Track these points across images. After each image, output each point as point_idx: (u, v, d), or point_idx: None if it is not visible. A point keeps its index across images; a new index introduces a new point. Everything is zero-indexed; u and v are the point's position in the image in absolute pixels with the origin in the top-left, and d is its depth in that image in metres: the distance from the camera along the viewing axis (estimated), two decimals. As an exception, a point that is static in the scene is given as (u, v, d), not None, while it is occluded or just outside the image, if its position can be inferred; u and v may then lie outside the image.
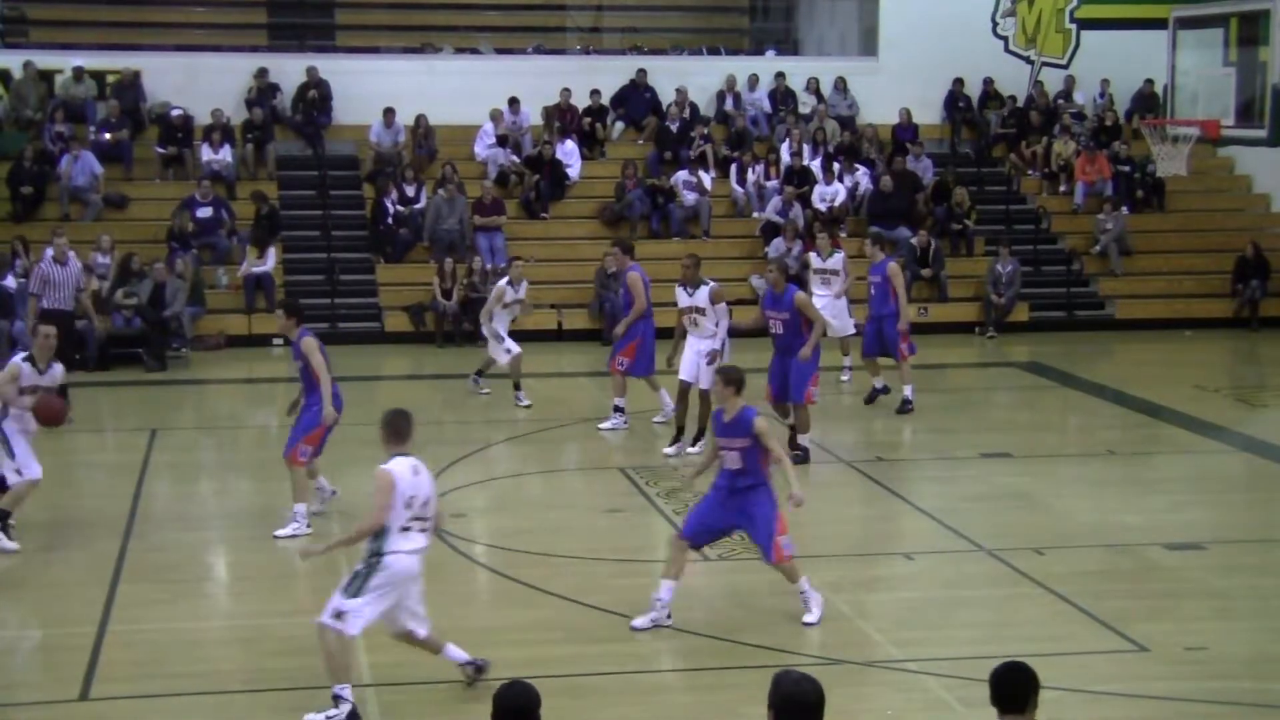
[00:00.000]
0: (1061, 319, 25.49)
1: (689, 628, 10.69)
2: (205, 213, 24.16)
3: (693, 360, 15.68)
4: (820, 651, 10.21)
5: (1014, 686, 6.02)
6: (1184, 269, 26.40)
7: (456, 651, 9.47)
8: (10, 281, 21.80)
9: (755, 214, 26.13)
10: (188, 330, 22.27)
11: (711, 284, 15.78)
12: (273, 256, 23.87)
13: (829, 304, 18.84)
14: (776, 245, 24.92)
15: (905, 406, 18.04)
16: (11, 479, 12.57)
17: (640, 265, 17.51)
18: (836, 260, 19.38)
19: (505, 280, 18.64)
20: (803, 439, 15.55)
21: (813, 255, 19.99)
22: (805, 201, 25.81)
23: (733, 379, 10.76)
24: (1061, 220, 27.04)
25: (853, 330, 19.61)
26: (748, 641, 10.38)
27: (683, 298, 15.84)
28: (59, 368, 13.00)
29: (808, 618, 10.65)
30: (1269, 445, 16.85)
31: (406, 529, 9.11)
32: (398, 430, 9.37)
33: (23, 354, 12.97)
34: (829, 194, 26.13)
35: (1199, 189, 27.81)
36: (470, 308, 23.48)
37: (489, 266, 24.07)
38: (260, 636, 10.68)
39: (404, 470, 9.19)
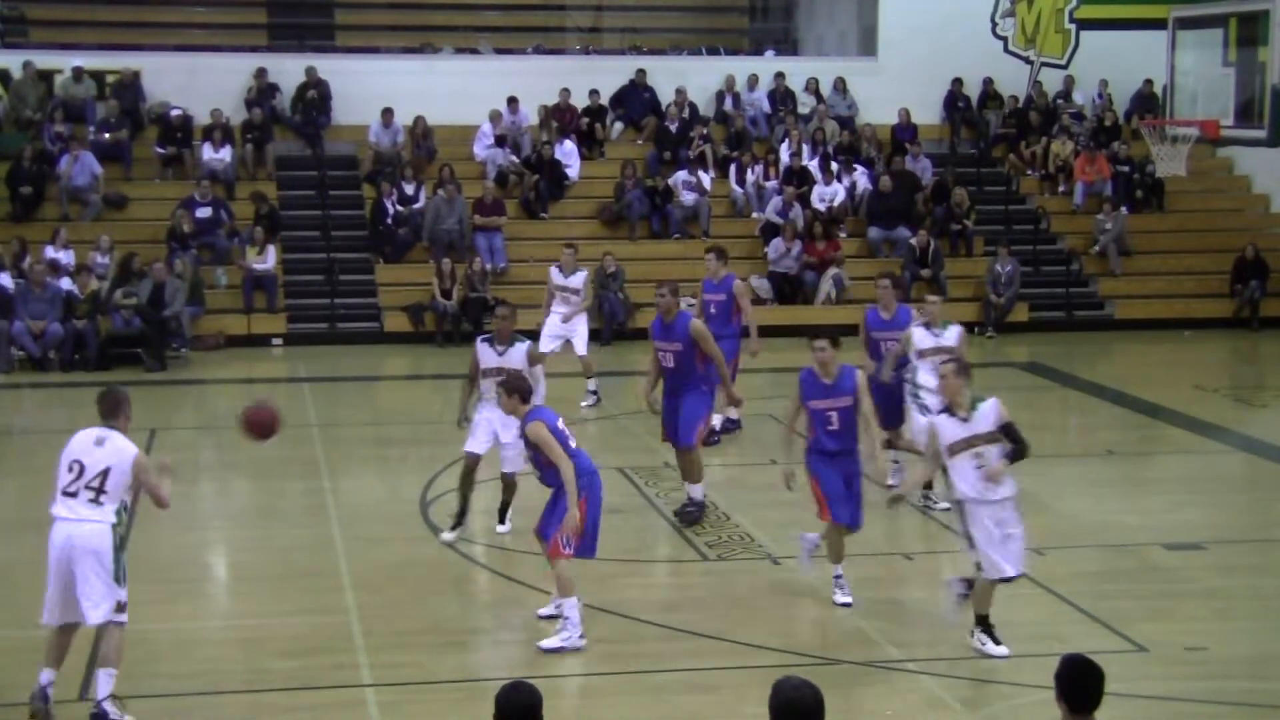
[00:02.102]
0: (1061, 319, 25.50)
1: (689, 628, 10.69)
2: (204, 213, 24.16)
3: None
4: (820, 651, 10.21)
5: (1091, 685, 5.90)
6: (1183, 269, 26.41)
7: None
8: (7, 281, 21.84)
9: (754, 214, 26.13)
10: (187, 330, 22.27)
11: (527, 344, 12.79)
12: (273, 255, 23.85)
13: (572, 323, 18.27)
14: (776, 245, 24.93)
15: (727, 426, 16.59)
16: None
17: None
18: (578, 279, 18.44)
19: (555, 265, 18.76)
20: (694, 490, 13.26)
21: (553, 270, 18.61)
22: (805, 202, 25.82)
23: (516, 388, 10.54)
24: (1061, 220, 27.05)
25: (585, 350, 18.45)
26: (748, 641, 10.38)
27: (490, 357, 12.71)
28: (522, 347, 12.54)
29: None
30: (1268, 445, 16.85)
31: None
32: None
33: (482, 337, 12.76)
34: (828, 194, 26.13)
35: (1198, 189, 27.82)
36: (469, 308, 23.50)
37: (488, 267, 24.08)
38: (260, 637, 10.68)
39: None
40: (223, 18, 31.13)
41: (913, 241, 25.20)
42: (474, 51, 29.77)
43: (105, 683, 9.08)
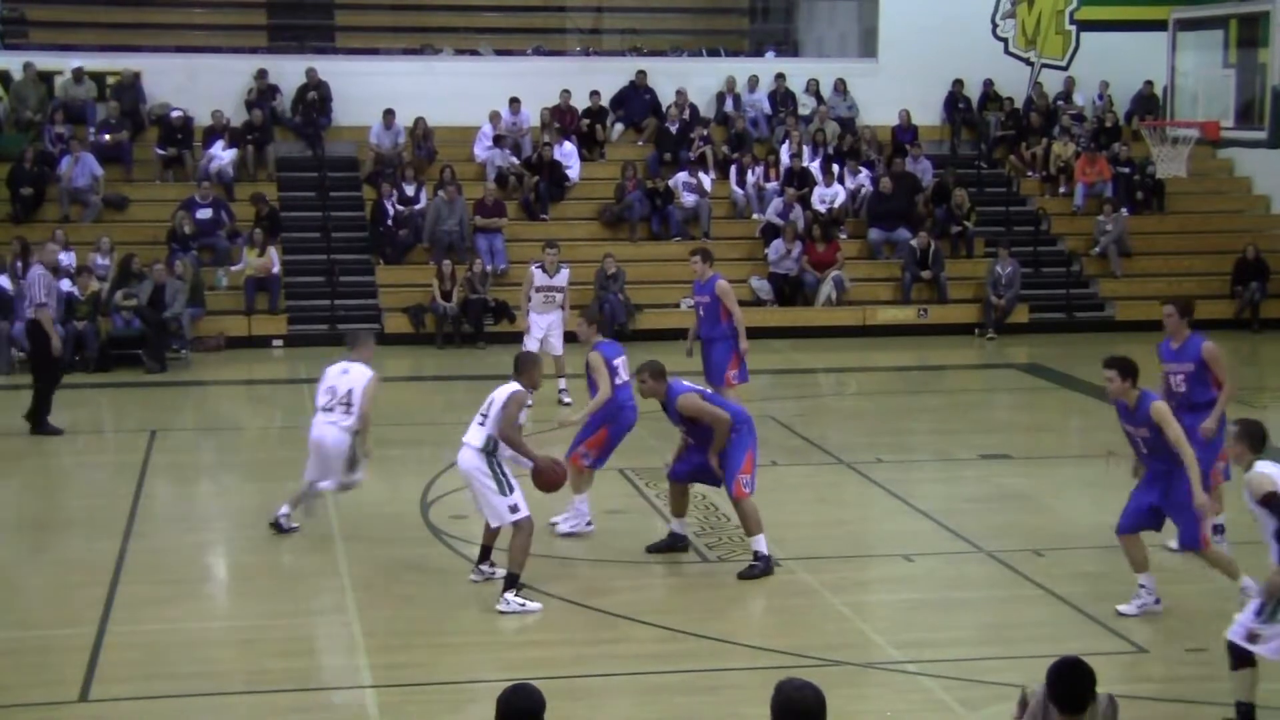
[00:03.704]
0: (1061, 320, 25.50)
1: (689, 629, 10.69)
2: (205, 214, 24.17)
3: None
4: (820, 652, 10.21)
5: (1078, 685, 5.97)
6: (1184, 270, 26.41)
7: None
8: (5, 282, 21.84)
9: (755, 216, 26.13)
10: (187, 331, 22.26)
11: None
12: (275, 257, 23.85)
13: (553, 322, 18.13)
14: (776, 247, 24.93)
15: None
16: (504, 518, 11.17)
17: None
18: (562, 277, 18.28)
19: (537, 265, 18.54)
20: (756, 542, 11.90)
21: (535, 270, 18.31)
22: (805, 203, 25.82)
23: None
24: (1061, 221, 27.05)
25: (561, 351, 18.15)
26: (747, 642, 10.37)
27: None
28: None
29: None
30: (1269, 446, 16.81)
31: None
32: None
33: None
34: (828, 195, 26.14)
35: (1199, 190, 27.83)
36: (470, 309, 23.50)
37: (488, 268, 24.08)
38: (261, 637, 10.68)
39: None
40: (223, 19, 31.14)
41: (913, 243, 25.21)
42: (474, 53, 29.78)
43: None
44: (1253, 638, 8.69)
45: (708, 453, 11.85)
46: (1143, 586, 11.10)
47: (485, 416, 11.16)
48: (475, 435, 11.16)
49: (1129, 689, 9.43)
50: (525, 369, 11.40)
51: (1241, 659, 8.80)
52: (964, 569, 12.44)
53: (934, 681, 9.89)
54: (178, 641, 10.56)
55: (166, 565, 12.39)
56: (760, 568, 11.77)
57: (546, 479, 11.37)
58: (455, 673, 9.66)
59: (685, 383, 12.03)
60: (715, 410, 11.80)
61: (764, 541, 11.82)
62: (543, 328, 18.23)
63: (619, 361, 12.82)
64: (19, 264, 22.34)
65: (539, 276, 18.25)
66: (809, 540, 12.66)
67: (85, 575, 11.97)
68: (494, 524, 11.28)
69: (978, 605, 11.61)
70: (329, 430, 12.66)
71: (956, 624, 11.03)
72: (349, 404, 12.61)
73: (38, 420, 17.12)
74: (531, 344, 17.82)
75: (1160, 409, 10.67)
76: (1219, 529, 12.09)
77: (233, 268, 23.88)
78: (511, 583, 10.94)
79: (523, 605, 10.88)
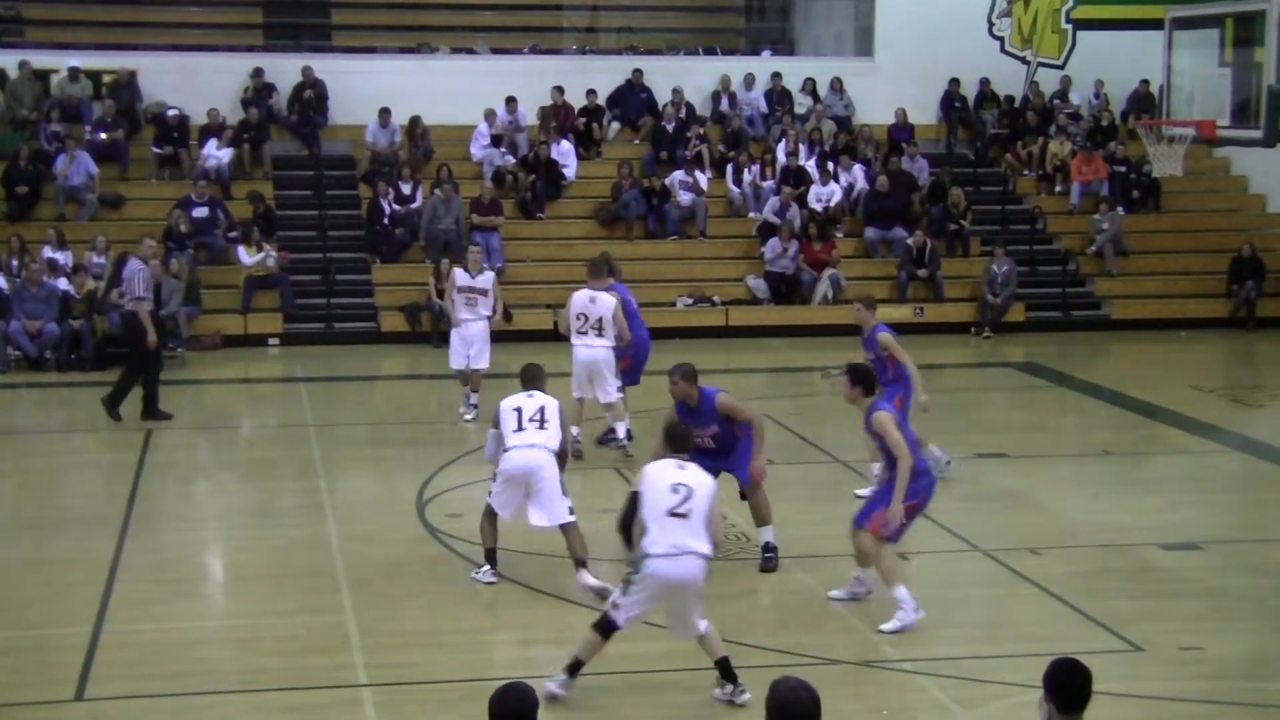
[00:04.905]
0: (1057, 319, 25.51)
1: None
2: (201, 213, 24.15)
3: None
4: (817, 652, 10.21)
5: (1079, 686, 5.96)
6: (1180, 269, 26.43)
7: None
8: (2, 282, 21.84)
9: (751, 214, 26.13)
10: (184, 330, 22.25)
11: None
12: (273, 255, 23.82)
13: (478, 334, 17.13)
14: (773, 245, 24.93)
15: (605, 437, 16.05)
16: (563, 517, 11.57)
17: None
18: (486, 279, 17.36)
19: (459, 267, 17.72)
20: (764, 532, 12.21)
21: (457, 272, 17.46)
22: (801, 202, 25.82)
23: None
24: (1057, 220, 27.06)
25: (485, 365, 17.23)
26: (747, 642, 10.37)
27: None
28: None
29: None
30: (1265, 445, 16.87)
31: None
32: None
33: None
34: (825, 194, 26.14)
35: (1195, 189, 27.84)
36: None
37: (485, 266, 24.04)
38: (257, 637, 10.68)
39: None
40: (219, 17, 31.10)
41: (909, 242, 25.21)
42: (470, 51, 29.77)
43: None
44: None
45: (720, 456, 11.75)
46: (857, 579, 11.22)
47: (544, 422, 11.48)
48: (546, 438, 11.42)
49: (1125, 688, 9.44)
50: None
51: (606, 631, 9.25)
52: (960, 567, 12.45)
53: (930, 680, 9.90)
54: (174, 641, 10.55)
55: (163, 564, 12.39)
56: (774, 558, 11.97)
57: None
58: (451, 672, 9.66)
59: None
60: (752, 409, 12.07)
61: (773, 532, 11.96)
62: (466, 340, 17.18)
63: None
64: (14, 262, 22.37)
65: (460, 277, 17.33)
66: (806, 539, 12.65)
67: (81, 575, 11.96)
68: (550, 523, 11.39)
69: (974, 604, 11.62)
70: (594, 352, 15.11)
71: (952, 622, 11.02)
72: (600, 329, 15.08)
73: (150, 408, 17.68)
74: (456, 360, 17.28)
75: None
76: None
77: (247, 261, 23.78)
78: (583, 564, 11.37)
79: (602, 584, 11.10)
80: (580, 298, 15.26)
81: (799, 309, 24.81)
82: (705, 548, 9.16)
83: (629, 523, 9.50)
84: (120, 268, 22.39)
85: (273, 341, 23.51)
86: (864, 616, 11.10)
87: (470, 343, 17.24)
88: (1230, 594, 11.77)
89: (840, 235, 25.85)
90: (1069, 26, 29.08)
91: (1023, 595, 11.57)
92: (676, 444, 9.84)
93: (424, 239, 24.64)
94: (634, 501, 9.39)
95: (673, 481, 9.24)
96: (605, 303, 15.19)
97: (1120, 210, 26.61)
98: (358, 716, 9.31)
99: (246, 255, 23.75)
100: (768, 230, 25.39)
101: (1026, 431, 18.23)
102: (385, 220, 24.86)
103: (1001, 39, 29.01)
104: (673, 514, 9.12)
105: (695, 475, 9.34)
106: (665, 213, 25.82)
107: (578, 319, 15.19)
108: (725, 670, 9.30)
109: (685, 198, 25.95)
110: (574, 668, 9.19)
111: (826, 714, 5.58)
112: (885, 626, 10.58)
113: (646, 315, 23.86)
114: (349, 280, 24.52)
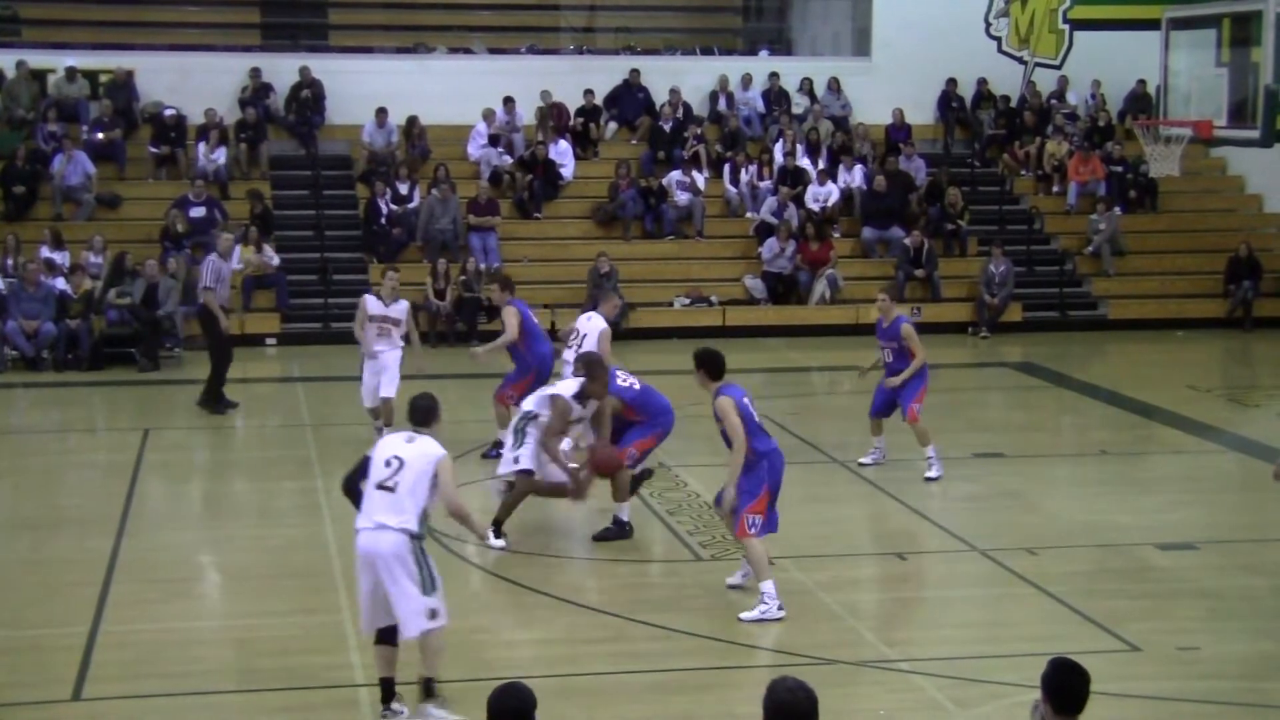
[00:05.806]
0: (1054, 319, 25.53)
1: (682, 628, 10.69)
2: (198, 212, 24.13)
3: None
4: (813, 651, 10.22)
5: (1076, 687, 5.96)
6: (1177, 269, 26.44)
7: None
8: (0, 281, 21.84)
9: (749, 214, 26.14)
10: (181, 330, 22.25)
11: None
12: (272, 253, 23.81)
13: (387, 364, 16.18)
14: (770, 245, 24.94)
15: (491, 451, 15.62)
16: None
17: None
18: (400, 308, 16.35)
19: (370, 294, 16.83)
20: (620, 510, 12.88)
21: (368, 299, 16.49)
22: (799, 202, 25.83)
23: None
24: (1054, 220, 27.08)
25: (393, 394, 16.08)
26: (745, 642, 10.38)
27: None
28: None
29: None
30: (1261, 445, 16.86)
31: None
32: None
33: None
34: (822, 194, 26.15)
35: (1192, 189, 27.86)
36: (463, 308, 23.49)
37: (482, 266, 24.08)
38: (253, 636, 10.68)
39: None
40: (216, 17, 31.09)
41: (906, 242, 25.22)
42: (468, 51, 29.77)
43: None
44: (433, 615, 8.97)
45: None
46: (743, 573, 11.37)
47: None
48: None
49: (1122, 688, 9.45)
50: (594, 374, 12.22)
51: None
52: (957, 567, 12.45)
53: (927, 680, 9.90)
54: (171, 640, 10.56)
55: (159, 564, 12.39)
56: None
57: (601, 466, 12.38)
58: (448, 671, 9.64)
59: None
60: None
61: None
62: (377, 372, 16.23)
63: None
64: (10, 262, 22.36)
65: (372, 304, 16.26)
66: (802, 539, 12.65)
67: (78, 574, 11.97)
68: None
69: (970, 603, 11.63)
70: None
71: (949, 622, 11.04)
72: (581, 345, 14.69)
73: (213, 398, 18.06)
74: (368, 399, 16.34)
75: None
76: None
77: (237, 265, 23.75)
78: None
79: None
80: (581, 320, 15.37)
81: (796, 309, 24.82)
82: (403, 522, 8.78)
83: (351, 486, 9.25)
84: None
85: (270, 341, 23.50)
86: (861, 616, 11.11)
87: (381, 373, 16.23)
88: (1227, 594, 11.78)
89: (837, 235, 25.86)
90: (1066, 26, 29.10)
91: (1019, 595, 11.58)
92: (413, 415, 9.34)
93: (421, 239, 24.64)
94: (361, 466, 9.18)
95: (390, 454, 8.97)
96: (595, 325, 14.99)
97: (1117, 210, 26.63)
98: (355, 716, 9.32)
99: (242, 255, 23.70)
100: (765, 230, 25.39)
101: (1023, 431, 18.24)
102: (382, 220, 24.85)
103: (999, 39, 29.02)
104: (380, 487, 8.92)
105: (417, 448, 8.96)
106: (662, 213, 25.82)
107: (572, 334, 15.38)
108: (425, 688, 9.03)
109: (682, 198, 25.96)
110: (385, 685, 9.11)
111: (824, 714, 5.58)
112: (745, 615, 10.72)
113: (643, 315, 24.06)
114: (346, 280, 24.49)
